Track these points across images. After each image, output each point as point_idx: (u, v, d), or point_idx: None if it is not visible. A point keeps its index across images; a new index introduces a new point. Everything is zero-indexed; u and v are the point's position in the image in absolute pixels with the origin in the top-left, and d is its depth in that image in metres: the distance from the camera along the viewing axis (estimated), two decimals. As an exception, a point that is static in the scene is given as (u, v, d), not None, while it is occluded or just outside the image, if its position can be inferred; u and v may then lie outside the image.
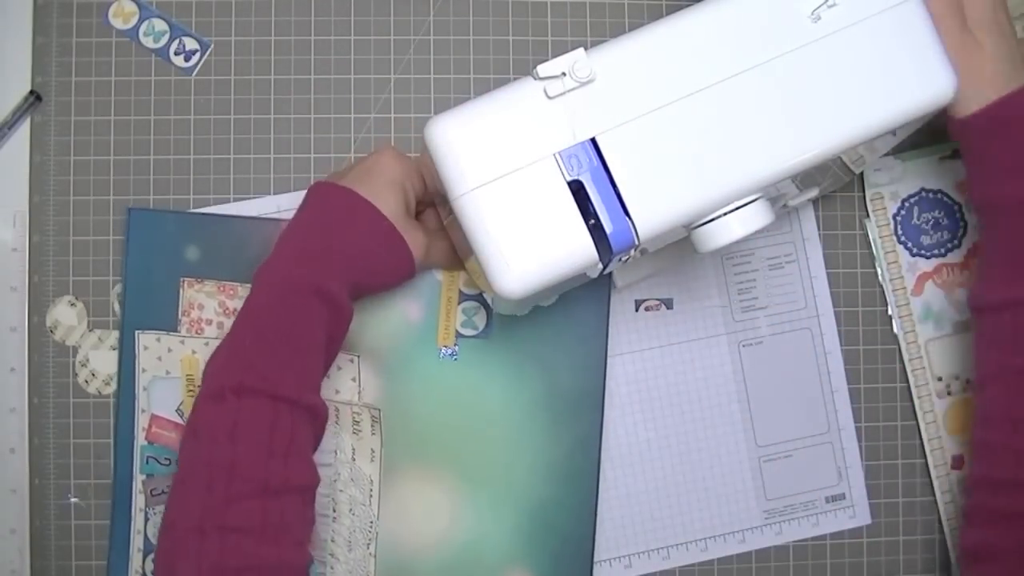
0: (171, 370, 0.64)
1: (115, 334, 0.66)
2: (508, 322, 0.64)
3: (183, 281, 0.64)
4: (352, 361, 0.64)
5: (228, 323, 0.63)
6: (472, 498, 0.64)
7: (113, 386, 0.66)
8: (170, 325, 0.64)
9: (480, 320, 0.64)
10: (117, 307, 0.66)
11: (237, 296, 0.64)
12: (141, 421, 0.64)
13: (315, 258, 0.55)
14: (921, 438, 0.68)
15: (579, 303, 0.65)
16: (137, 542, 0.64)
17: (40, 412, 0.66)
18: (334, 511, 0.63)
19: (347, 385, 0.64)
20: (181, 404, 0.64)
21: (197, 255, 0.65)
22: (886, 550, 0.68)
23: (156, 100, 0.67)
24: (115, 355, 0.66)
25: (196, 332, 0.64)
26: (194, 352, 0.64)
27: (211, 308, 0.64)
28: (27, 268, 0.66)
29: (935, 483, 0.68)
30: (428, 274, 0.64)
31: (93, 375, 0.66)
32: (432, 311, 0.65)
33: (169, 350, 0.64)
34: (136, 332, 0.64)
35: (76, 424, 0.66)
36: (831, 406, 0.68)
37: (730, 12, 0.49)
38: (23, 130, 0.67)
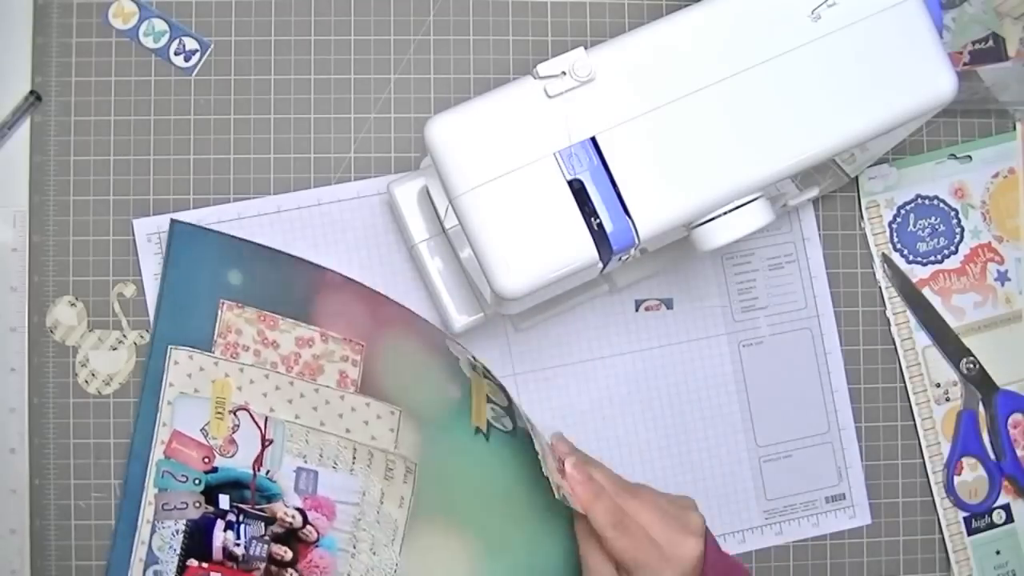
0: (200, 389, 0.64)
1: (115, 334, 0.66)
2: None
3: (222, 303, 0.64)
4: (393, 413, 0.64)
5: (266, 352, 0.64)
6: (493, 561, 0.64)
7: (114, 386, 0.66)
8: (204, 344, 0.64)
9: (507, 423, 0.65)
10: (117, 307, 0.66)
11: (278, 328, 0.64)
12: (161, 434, 0.64)
13: None
14: (920, 445, 0.68)
15: None
16: (140, 552, 0.64)
17: (40, 412, 0.66)
18: (354, 547, 0.64)
19: (385, 435, 0.64)
20: (207, 424, 0.64)
21: (240, 280, 0.64)
22: (886, 550, 0.68)
23: (156, 100, 0.67)
24: (115, 355, 0.66)
25: (231, 356, 0.64)
26: (227, 375, 0.64)
27: (249, 335, 0.64)
28: (27, 268, 0.66)
29: (934, 489, 0.68)
30: (461, 362, 0.64)
31: (93, 375, 0.66)
32: (466, 396, 0.65)
33: (201, 369, 0.64)
34: (169, 346, 0.64)
35: (76, 424, 0.66)
36: (831, 406, 0.68)
37: (730, 11, 0.49)
38: (23, 130, 0.67)
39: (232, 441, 0.64)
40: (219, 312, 0.64)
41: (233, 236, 0.65)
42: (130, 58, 0.67)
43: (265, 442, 0.64)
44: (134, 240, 0.66)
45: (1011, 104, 0.69)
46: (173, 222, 0.64)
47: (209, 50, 0.67)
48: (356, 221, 0.67)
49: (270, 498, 0.64)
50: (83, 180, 0.66)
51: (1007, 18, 0.69)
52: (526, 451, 0.64)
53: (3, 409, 0.65)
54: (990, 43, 0.69)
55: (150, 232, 0.66)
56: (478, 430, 0.64)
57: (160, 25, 0.67)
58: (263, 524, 0.64)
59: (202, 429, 0.64)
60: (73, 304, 0.66)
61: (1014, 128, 0.70)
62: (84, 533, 0.65)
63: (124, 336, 0.66)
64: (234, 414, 0.64)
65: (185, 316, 0.64)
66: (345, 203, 0.67)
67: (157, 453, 0.64)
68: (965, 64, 0.69)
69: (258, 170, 0.67)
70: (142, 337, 0.66)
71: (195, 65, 0.67)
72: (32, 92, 0.66)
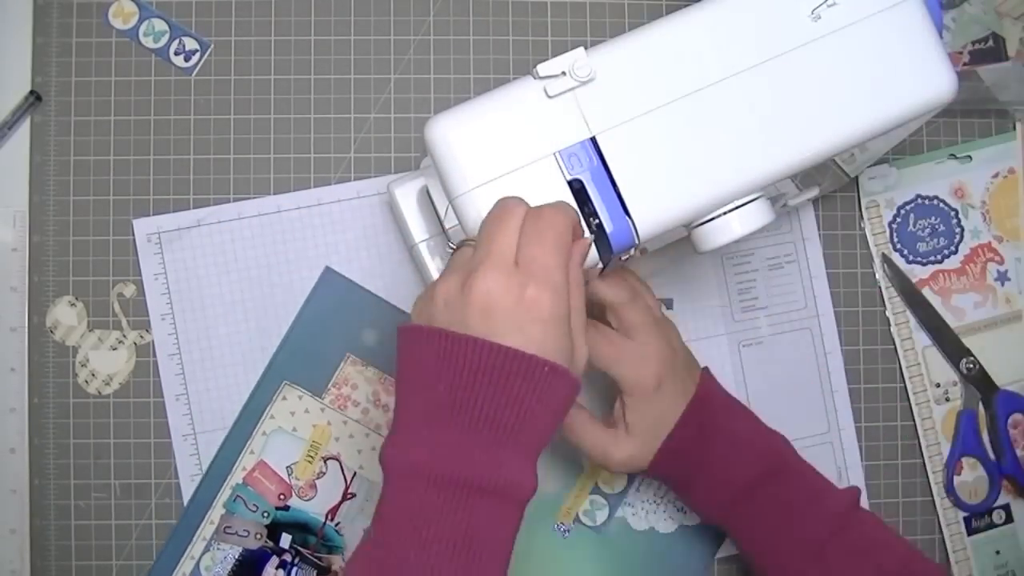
0: (299, 429, 0.65)
1: (115, 334, 0.66)
2: (625, 532, 0.66)
3: (348, 356, 0.65)
4: None
5: (374, 412, 0.65)
6: None
7: (114, 386, 0.66)
8: (316, 388, 0.65)
9: (600, 516, 0.66)
10: (117, 307, 0.66)
11: (393, 393, 0.65)
12: (246, 461, 0.65)
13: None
14: (920, 445, 0.68)
15: (691, 541, 0.66)
16: (186, 567, 0.65)
17: (40, 412, 0.66)
18: None
19: None
20: (294, 464, 0.65)
21: (373, 339, 0.65)
22: (886, 550, 0.68)
23: (156, 100, 0.67)
24: (115, 355, 0.66)
25: (339, 407, 0.65)
26: (329, 424, 0.65)
27: (364, 392, 0.65)
28: (27, 268, 0.66)
29: (934, 489, 0.68)
30: (574, 460, 0.66)
31: (93, 375, 0.66)
32: (564, 491, 0.66)
33: (306, 411, 0.65)
34: (284, 381, 0.65)
35: (76, 424, 0.66)
36: (831, 406, 0.68)
37: (730, 11, 0.49)
38: (23, 130, 0.67)
39: (313, 486, 0.65)
40: (343, 363, 0.65)
41: (380, 297, 0.65)
42: (130, 58, 0.67)
43: (347, 495, 0.65)
44: (134, 240, 0.66)
45: (1011, 104, 0.69)
46: (327, 269, 0.65)
47: (209, 50, 0.67)
48: (356, 221, 0.67)
49: (331, 549, 0.65)
50: (83, 180, 0.66)
51: (1007, 18, 0.69)
52: (605, 548, 0.65)
53: (3, 409, 0.65)
54: (990, 43, 0.69)
55: (150, 232, 0.66)
56: (559, 527, 0.65)
57: (160, 25, 0.67)
58: (315, 572, 0.65)
59: (288, 467, 0.65)
60: (73, 304, 0.66)
61: (1014, 128, 0.70)
62: (84, 533, 0.65)
63: (124, 336, 0.66)
64: (325, 461, 0.65)
65: (307, 357, 0.65)
66: (345, 203, 0.67)
67: (236, 477, 0.65)
68: (965, 64, 0.69)
69: (258, 170, 0.67)
70: (142, 337, 0.66)
71: (195, 65, 0.67)
72: (32, 92, 0.66)
